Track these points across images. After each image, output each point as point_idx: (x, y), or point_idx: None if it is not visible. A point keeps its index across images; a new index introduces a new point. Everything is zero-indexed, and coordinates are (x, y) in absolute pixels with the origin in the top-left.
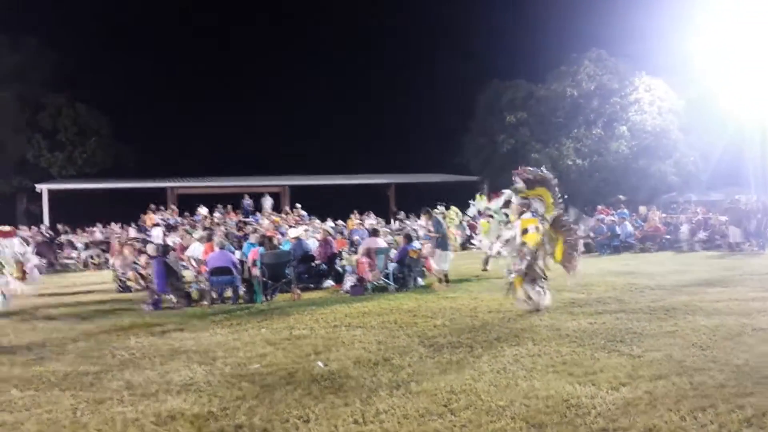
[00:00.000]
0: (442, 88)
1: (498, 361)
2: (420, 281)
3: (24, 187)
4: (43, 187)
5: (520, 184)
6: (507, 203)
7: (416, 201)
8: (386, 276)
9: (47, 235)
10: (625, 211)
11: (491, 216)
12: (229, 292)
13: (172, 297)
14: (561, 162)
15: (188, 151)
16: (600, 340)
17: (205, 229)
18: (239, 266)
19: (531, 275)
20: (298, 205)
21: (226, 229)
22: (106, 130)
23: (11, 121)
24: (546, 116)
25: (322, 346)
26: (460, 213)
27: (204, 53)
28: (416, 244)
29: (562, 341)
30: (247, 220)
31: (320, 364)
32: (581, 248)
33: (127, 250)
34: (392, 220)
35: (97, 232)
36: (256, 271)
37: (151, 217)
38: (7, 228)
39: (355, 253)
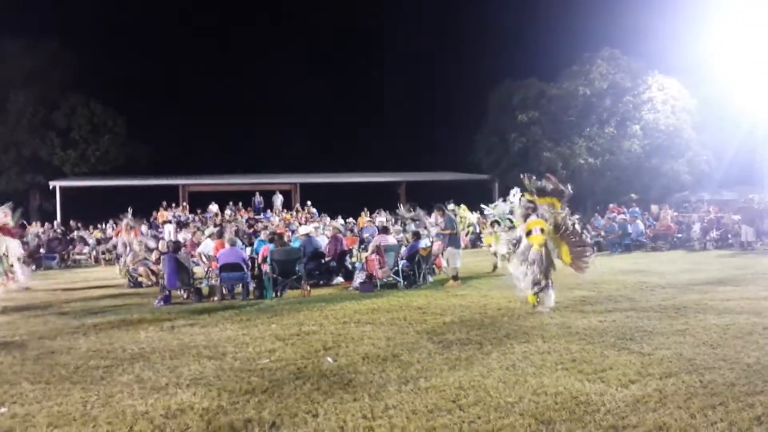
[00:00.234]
0: (455, 87)
1: (507, 358)
2: (429, 278)
3: (37, 184)
4: (56, 184)
5: (532, 188)
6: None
7: (427, 199)
8: (396, 273)
9: (59, 231)
10: (637, 209)
11: (497, 222)
12: (239, 288)
13: (182, 293)
14: (573, 161)
15: (200, 149)
16: (610, 337)
17: (215, 225)
18: (249, 263)
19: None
20: (309, 203)
21: (236, 226)
22: (119, 128)
23: (26, 120)
24: (558, 115)
25: (331, 342)
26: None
27: (204, 53)
28: (425, 241)
29: (572, 339)
30: (257, 217)
31: (329, 359)
32: (590, 252)
33: (131, 233)
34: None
35: (109, 229)
36: (266, 268)
37: (162, 214)
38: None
39: (365, 250)
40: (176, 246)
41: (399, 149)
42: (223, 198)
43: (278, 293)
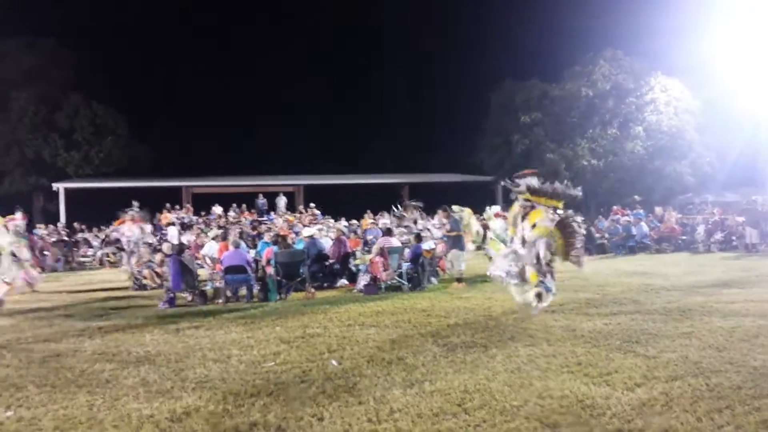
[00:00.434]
0: (455, 88)
1: (512, 361)
2: (434, 281)
3: (41, 186)
4: (59, 186)
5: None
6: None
7: (430, 201)
8: (400, 275)
9: (63, 233)
10: (641, 211)
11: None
12: (243, 291)
13: (187, 295)
14: (576, 162)
15: (200, 149)
16: (615, 340)
17: (219, 228)
18: (254, 265)
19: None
20: (312, 205)
21: (240, 228)
22: (122, 129)
23: (28, 119)
24: (561, 116)
25: (335, 345)
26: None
27: (204, 53)
28: (429, 243)
29: (577, 342)
30: (261, 219)
31: (334, 362)
32: (580, 245)
33: (134, 224)
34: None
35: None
36: (270, 270)
37: (166, 216)
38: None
39: (369, 252)
40: (180, 248)
41: (399, 149)
42: (227, 200)
43: (282, 295)
